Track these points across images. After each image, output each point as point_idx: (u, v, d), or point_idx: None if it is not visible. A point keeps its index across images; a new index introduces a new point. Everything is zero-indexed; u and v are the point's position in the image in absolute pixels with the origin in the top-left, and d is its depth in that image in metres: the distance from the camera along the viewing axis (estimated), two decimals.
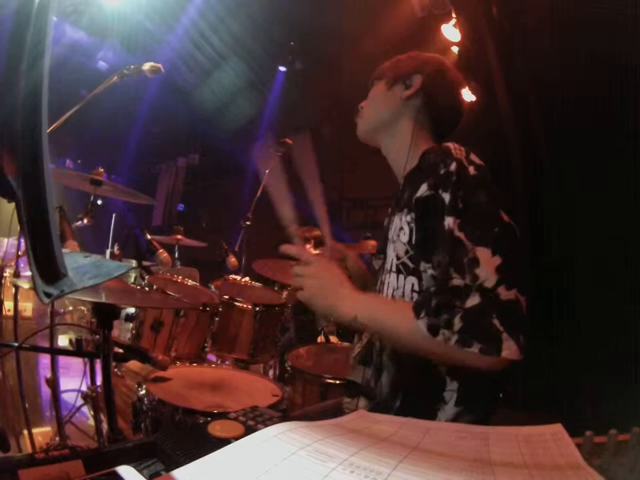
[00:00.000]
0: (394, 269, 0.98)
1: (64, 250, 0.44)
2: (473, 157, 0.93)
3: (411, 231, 0.96)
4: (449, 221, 0.86)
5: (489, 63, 3.41)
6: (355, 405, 1.05)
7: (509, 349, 0.79)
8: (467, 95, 3.89)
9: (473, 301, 0.81)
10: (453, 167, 0.89)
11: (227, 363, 2.32)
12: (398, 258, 0.97)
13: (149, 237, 1.93)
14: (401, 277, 0.96)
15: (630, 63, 2.23)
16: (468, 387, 0.92)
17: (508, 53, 3.29)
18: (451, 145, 0.94)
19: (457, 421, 0.91)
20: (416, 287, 0.95)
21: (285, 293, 2.57)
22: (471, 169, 0.89)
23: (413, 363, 0.93)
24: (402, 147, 1.10)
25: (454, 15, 3.61)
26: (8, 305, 2.10)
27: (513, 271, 0.83)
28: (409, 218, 0.96)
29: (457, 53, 3.77)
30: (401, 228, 0.96)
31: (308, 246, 3.83)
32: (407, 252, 0.95)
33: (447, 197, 0.87)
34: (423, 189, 0.91)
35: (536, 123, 3.14)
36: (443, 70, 1.15)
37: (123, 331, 2.88)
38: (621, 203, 2.34)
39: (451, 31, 3.69)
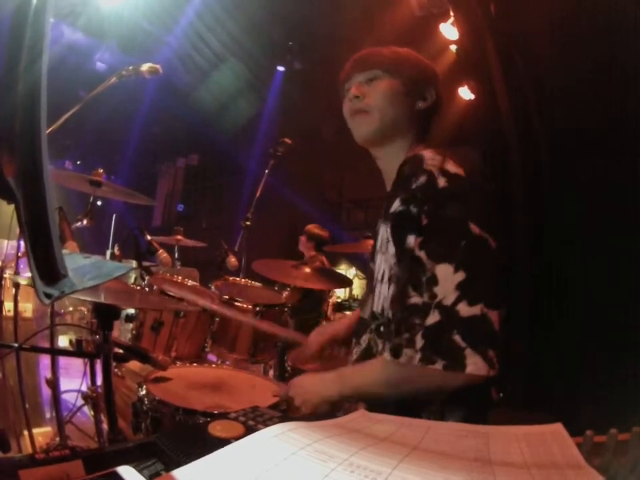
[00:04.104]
0: (386, 279, 0.98)
1: (64, 251, 0.44)
2: (450, 165, 0.89)
3: None
4: (411, 239, 0.87)
5: (488, 62, 3.41)
6: (355, 403, 1.06)
7: (474, 364, 0.79)
8: (466, 94, 3.90)
9: (433, 318, 0.83)
10: (422, 180, 0.88)
11: (228, 362, 2.32)
12: (390, 269, 0.97)
13: (148, 237, 1.94)
14: (392, 286, 0.96)
15: (630, 62, 2.23)
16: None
17: (507, 52, 3.29)
18: (427, 153, 0.92)
19: (445, 420, 0.90)
20: None
21: (284, 293, 2.57)
22: (442, 181, 0.87)
23: None
24: (394, 157, 1.06)
25: (452, 14, 3.61)
26: (8, 305, 2.09)
27: (477, 286, 0.84)
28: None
29: (455, 51, 3.77)
30: (388, 240, 0.96)
31: (309, 245, 3.86)
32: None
33: (414, 212, 0.88)
34: (397, 204, 0.92)
35: (536, 122, 3.14)
36: (439, 83, 1.13)
37: (123, 332, 2.88)
38: (620, 202, 2.34)
39: (449, 30, 3.69)
